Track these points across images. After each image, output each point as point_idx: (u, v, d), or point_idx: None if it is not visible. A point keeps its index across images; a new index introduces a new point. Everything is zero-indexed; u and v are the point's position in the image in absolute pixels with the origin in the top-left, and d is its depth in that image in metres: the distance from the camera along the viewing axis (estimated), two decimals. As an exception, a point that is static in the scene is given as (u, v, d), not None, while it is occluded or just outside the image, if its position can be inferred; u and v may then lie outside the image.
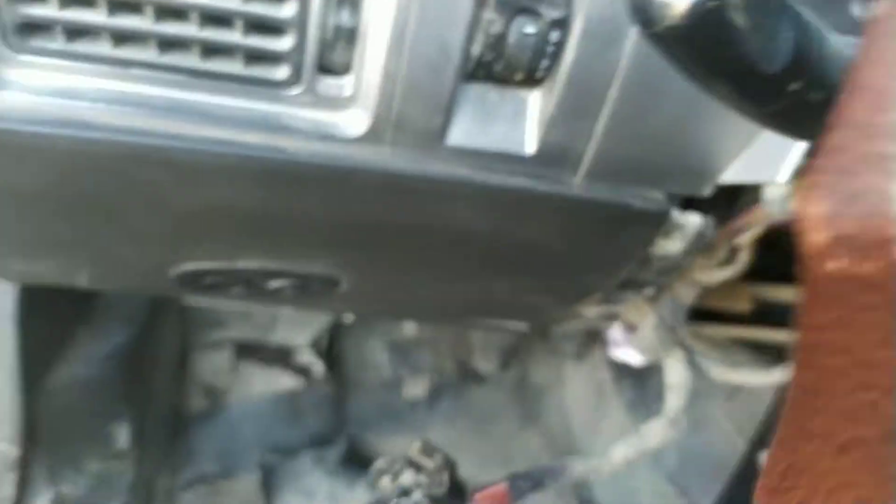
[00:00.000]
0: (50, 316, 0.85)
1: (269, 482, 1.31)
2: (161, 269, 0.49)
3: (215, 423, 1.29)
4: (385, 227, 0.44)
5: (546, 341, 1.62)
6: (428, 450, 0.61)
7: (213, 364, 1.29)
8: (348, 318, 1.15)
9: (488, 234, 0.46)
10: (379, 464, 0.63)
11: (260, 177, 0.39)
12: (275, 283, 0.52)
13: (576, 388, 1.58)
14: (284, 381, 1.34)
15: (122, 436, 1.06)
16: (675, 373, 0.73)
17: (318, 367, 1.36)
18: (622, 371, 1.51)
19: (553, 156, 0.42)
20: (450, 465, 0.63)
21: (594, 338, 1.55)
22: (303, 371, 1.35)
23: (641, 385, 1.45)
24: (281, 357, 1.34)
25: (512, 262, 0.49)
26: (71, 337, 0.94)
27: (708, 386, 1.32)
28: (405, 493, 0.60)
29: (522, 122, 0.42)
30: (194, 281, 0.51)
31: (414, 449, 0.63)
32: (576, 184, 0.44)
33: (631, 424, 1.47)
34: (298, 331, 1.35)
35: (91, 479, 1.04)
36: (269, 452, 1.32)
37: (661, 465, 1.32)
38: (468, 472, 1.55)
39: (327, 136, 0.39)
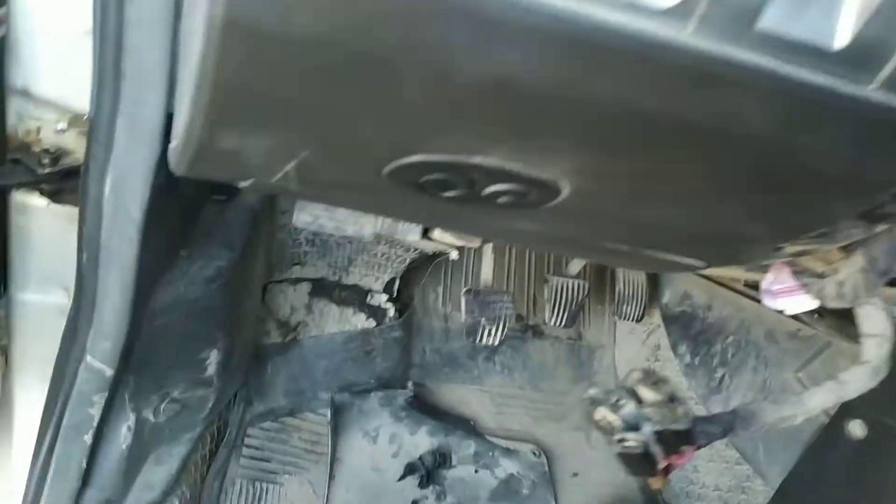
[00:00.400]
0: (164, 232, 0.79)
1: (337, 421, 1.27)
2: (384, 160, 0.44)
3: (288, 360, 1.25)
4: (657, 122, 0.40)
5: (606, 302, 1.60)
6: (651, 378, 0.55)
7: (289, 299, 1.24)
8: (454, 255, 1.10)
9: (764, 141, 0.41)
10: (592, 392, 0.58)
11: (559, 44, 0.34)
12: (495, 188, 0.47)
13: (630, 350, 1.56)
14: (357, 321, 1.29)
15: (212, 364, 1.01)
16: (876, 320, 0.68)
17: (390, 310, 1.31)
18: (679, 336, 1.49)
19: (859, 54, 0.38)
20: (677, 398, 0.55)
21: (652, 301, 1.53)
22: (375, 313, 1.30)
23: (699, 351, 1.43)
24: (355, 298, 1.29)
25: (766, 179, 0.45)
26: (176, 257, 0.88)
27: (782, 353, 1.30)
28: (632, 427, 0.53)
29: (838, 11, 0.37)
30: (412, 177, 0.46)
31: (633, 377, 0.57)
32: (874, 88, 0.40)
33: (687, 389, 1.45)
34: (373, 274, 1.30)
35: (173, 406, 1.00)
36: (339, 392, 1.28)
37: (722, 428, 1.30)
38: (523, 422, 1.53)
39: (634, 6, 0.35)
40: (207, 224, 0.91)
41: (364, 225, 0.92)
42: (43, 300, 0.83)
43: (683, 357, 1.42)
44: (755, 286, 1.37)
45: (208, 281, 0.89)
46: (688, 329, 1.43)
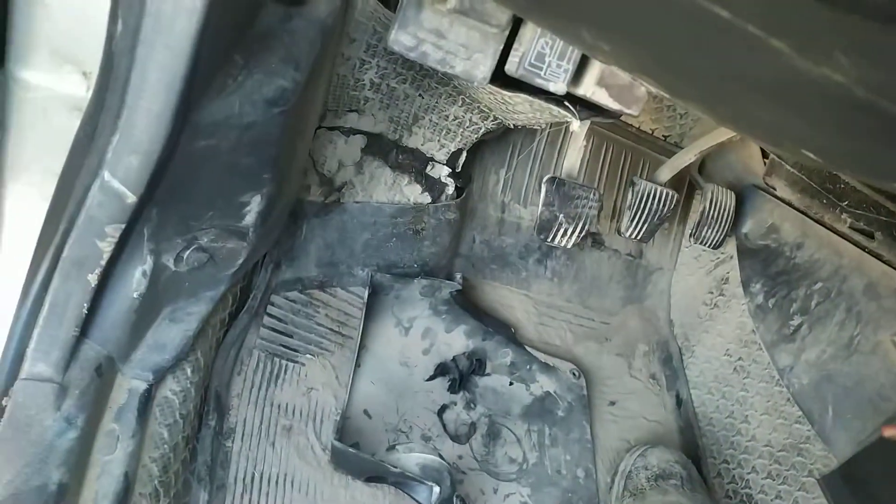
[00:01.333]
0: (223, 17, 0.57)
1: (370, 304, 1.10)
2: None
3: (326, 224, 1.05)
4: None
5: (676, 222, 1.41)
6: None
7: (338, 152, 1.02)
8: (574, 125, 0.87)
9: None
10: None
11: None
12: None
13: (691, 279, 1.40)
14: (411, 193, 1.09)
15: (252, 212, 0.81)
16: None
17: (450, 186, 1.11)
18: (754, 272, 1.33)
19: None
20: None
21: (732, 230, 1.35)
22: (433, 187, 1.09)
23: (776, 292, 1.28)
24: (413, 165, 1.07)
25: None
26: (230, 62, 0.66)
27: (881, 312, 1.15)
28: None
29: None
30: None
31: None
32: None
33: (751, 332, 1.31)
34: (439, 139, 1.08)
35: (199, 255, 0.80)
36: (379, 269, 1.10)
37: (787, 382, 1.18)
38: (564, 338, 1.38)
39: None
40: (268, 30, 0.68)
41: (479, 63, 0.70)
42: (52, 84, 0.60)
43: (755, 296, 1.26)
44: (863, 231, 1.20)
45: (268, 104, 0.67)
46: (767, 266, 1.26)
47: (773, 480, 1.10)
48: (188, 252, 0.76)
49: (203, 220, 0.75)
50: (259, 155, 0.71)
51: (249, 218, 0.78)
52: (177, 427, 0.77)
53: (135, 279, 0.72)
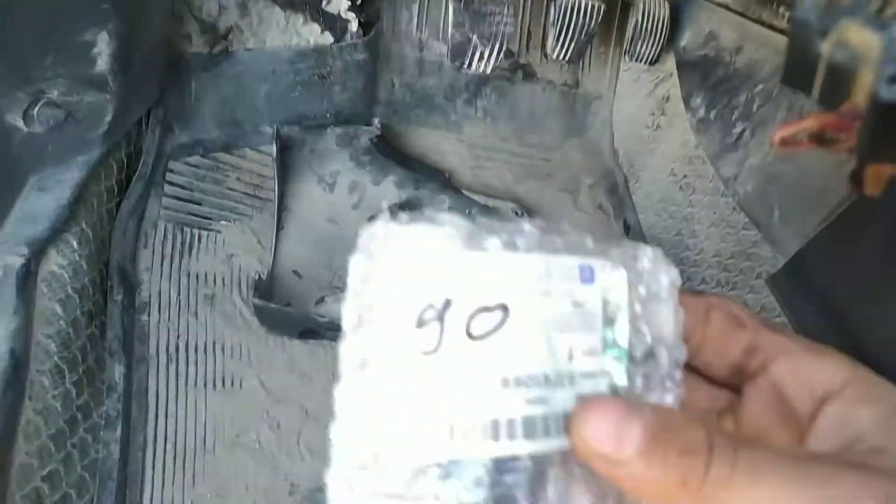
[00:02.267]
0: None
1: (284, 161, 1.02)
2: None
3: (218, 78, 0.94)
4: None
5: (612, 45, 1.31)
6: None
7: (215, -9, 0.90)
8: None
9: None
10: None
11: None
12: None
13: (632, 102, 1.33)
14: (309, 33, 0.97)
15: (103, 55, 0.71)
16: None
17: (352, 22, 1.00)
18: (694, 86, 1.26)
19: None
20: None
21: (668, 44, 1.26)
22: (333, 25, 0.98)
23: (717, 103, 1.21)
24: (307, 0, 0.96)
25: None
26: None
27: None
28: None
29: None
30: None
31: None
32: None
33: (694, 148, 1.26)
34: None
35: (52, 112, 0.70)
36: (287, 123, 1.01)
37: (733, 191, 1.15)
38: (504, 179, 1.32)
39: None
40: None
41: None
42: None
43: (697, 111, 1.20)
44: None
45: None
46: (707, 77, 1.18)
47: (723, 287, 1.09)
48: (38, 108, 0.67)
49: (44, 66, 0.65)
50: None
51: (102, 62, 0.68)
52: (72, 302, 0.72)
53: (-22, 143, 0.63)
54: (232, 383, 0.84)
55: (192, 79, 0.91)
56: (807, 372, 0.26)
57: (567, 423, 0.23)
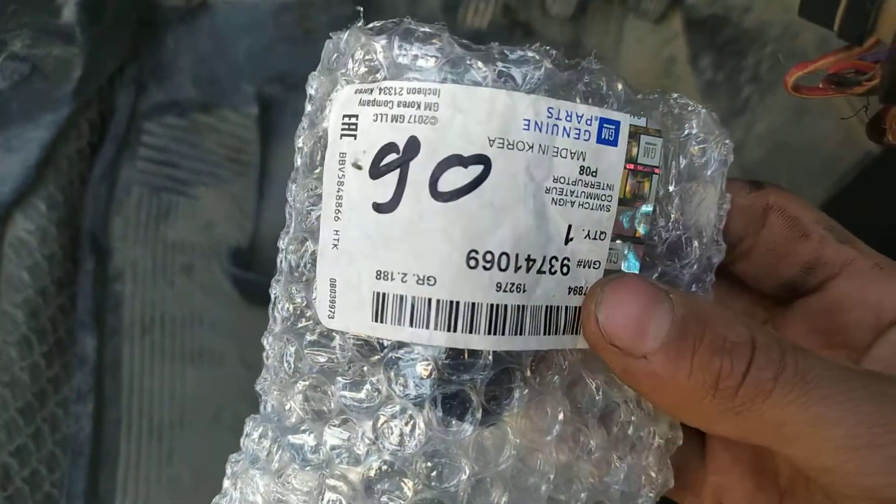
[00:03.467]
0: None
1: (266, 122, 1.00)
2: None
3: (195, 33, 0.92)
4: None
5: (615, 3, 1.29)
6: None
7: (189, -64, 0.87)
8: None
9: None
10: None
11: None
12: None
13: (636, 63, 1.30)
14: (292, -16, 0.95)
15: (69, 1, 0.68)
16: None
17: (338, -27, 0.97)
18: (701, 46, 1.24)
19: None
20: None
21: (675, 1, 1.24)
22: (317, -25, 0.96)
23: (725, 65, 1.19)
24: (288, -53, 0.93)
25: None
26: None
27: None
28: None
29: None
30: None
31: None
32: None
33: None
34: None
35: (16, 66, 0.69)
36: (269, 81, 0.99)
37: (738, 157, 1.13)
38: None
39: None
40: None
41: None
42: None
43: (704, 72, 1.18)
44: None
45: None
46: (715, 36, 1.17)
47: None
48: (0, 61, 0.64)
49: (6, 16, 0.62)
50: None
51: (69, 11, 0.66)
52: (40, 269, 0.70)
53: (-66, 98, 0.61)
54: (211, 357, 0.83)
55: (167, 33, 0.89)
56: (874, 293, 0.24)
57: (549, 320, 0.21)
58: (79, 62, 0.71)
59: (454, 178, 0.18)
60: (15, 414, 0.65)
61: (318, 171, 0.22)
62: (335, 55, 0.20)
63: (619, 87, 0.20)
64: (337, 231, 0.22)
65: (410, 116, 0.18)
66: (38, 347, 0.69)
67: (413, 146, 0.18)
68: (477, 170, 0.18)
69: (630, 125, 0.19)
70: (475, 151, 0.18)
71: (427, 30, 0.19)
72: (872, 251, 0.25)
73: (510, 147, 0.18)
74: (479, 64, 0.18)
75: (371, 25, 0.21)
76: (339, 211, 0.21)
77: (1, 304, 0.66)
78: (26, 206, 0.70)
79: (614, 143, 0.20)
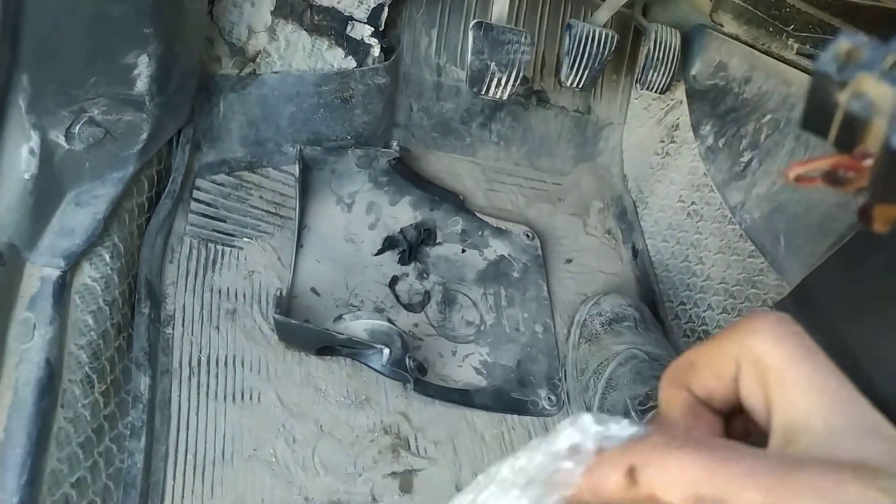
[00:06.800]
0: None
1: (305, 181, 1.05)
2: None
3: (245, 100, 0.98)
4: None
5: (623, 73, 1.35)
6: None
7: (245, 17, 0.93)
8: None
9: None
10: (842, 45, 0.32)
11: None
12: None
13: (642, 130, 1.36)
14: (333, 58, 1.01)
15: (143, 76, 0.74)
16: None
17: (374, 47, 1.03)
18: (703, 114, 1.29)
19: None
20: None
21: (679, 73, 1.30)
22: (356, 50, 1.02)
23: (725, 131, 1.24)
24: (332, 26, 0.99)
25: None
26: None
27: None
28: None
29: None
30: None
31: None
32: None
33: (703, 175, 1.29)
34: (357, -4, 0.99)
35: (92, 130, 0.74)
36: (309, 144, 1.04)
37: (740, 219, 1.18)
38: (516, 202, 1.35)
39: None
40: None
41: None
42: None
43: (706, 139, 1.24)
44: (810, 55, 1.16)
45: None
46: (716, 106, 1.22)
47: (729, 314, 1.11)
48: (79, 126, 0.70)
49: (86, 87, 0.68)
50: (131, 3, 0.63)
51: (141, 84, 0.72)
52: (102, 314, 0.74)
53: (23, 159, 0.66)
54: (251, 397, 0.86)
55: (220, 99, 0.95)
56: None
57: None
58: (146, 126, 0.76)
59: None
60: (76, 448, 0.68)
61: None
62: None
63: None
64: None
65: None
66: (97, 386, 0.72)
67: None
68: None
69: None
70: None
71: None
72: None
73: None
74: None
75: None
76: None
77: (67, 346, 0.70)
78: (93, 255, 0.75)
79: None
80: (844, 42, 0.27)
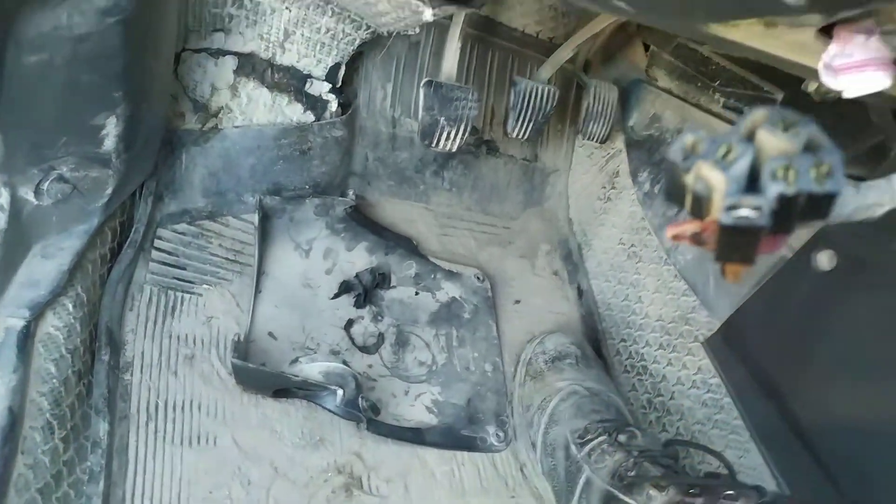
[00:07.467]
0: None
1: (264, 229, 1.10)
2: None
3: (207, 153, 1.03)
4: None
5: (567, 124, 1.45)
6: (780, 120, 0.35)
7: (209, 75, 1.00)
8: (427, 15, 0.86)
9: None
10: (687, 140, 0.38)
11: None
12: None
13: (586, 177, 1.46)
14: (292, 112, 1.08)
15: (111, 136, 0.79)
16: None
17: (332, 102, 1.10)
18: (640, 162, 1.39)
19: None
20: (819, 145, 0.32)
21: (618, 124, 1.40)
22: (315, 105, 1.09)
23: (661, 178, 1.34)
24: (291, 83, 1.06)
25: None
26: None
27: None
28: (747, 189, 0.33)
29: None
30: None
31: (754, 118, 0.37)
32: None
33: (641, 219, 1.38)
34: (314, 55, 1.06)
35: (60, 187, 0.78)
36: (268, 194, 1.10)
37: (674, 260, 1.26)
38: (467, 246, 1.42)
39: None
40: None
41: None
42: None
43: (643, 185, 1.33)
44: (734, 108, 1.27)
45: (102, 13, 0.65)
46: (652, 154, 1.32)
47: (665, 350, 1.19)
48: (48, 183, 0.74)
49: (56, 147, 0.73)
50: (101, 71, 0.69)
51: (109, 143, 0.77)
52: (64, 362, 0.77)
53: (-9, 215, 0.70)
54: (207, 440, 0.89)
55: (183, 153, 1.00)
56: None
57: None
58: (112, 181, 0.81)
59: None
60: (35, 494, 0.70)
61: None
62: None
63: None
64: None
65: None
66: (57, 432, 0.75)
67: None
68: None
69: None
70: None
71: None
72: None
73: None
74: None
75: None
76: None
77: (30, 394, 0.72)
78: (56, 305, 0.78)
79: None
80: (689, 136, 0.35)
